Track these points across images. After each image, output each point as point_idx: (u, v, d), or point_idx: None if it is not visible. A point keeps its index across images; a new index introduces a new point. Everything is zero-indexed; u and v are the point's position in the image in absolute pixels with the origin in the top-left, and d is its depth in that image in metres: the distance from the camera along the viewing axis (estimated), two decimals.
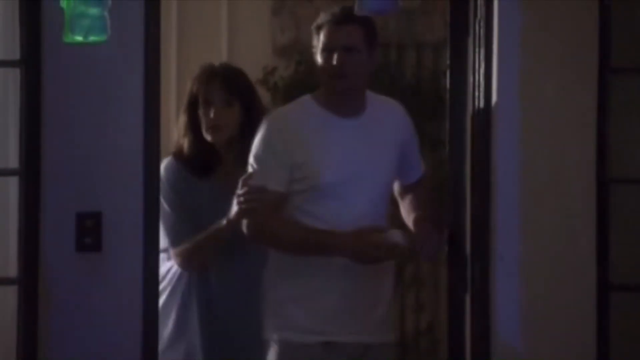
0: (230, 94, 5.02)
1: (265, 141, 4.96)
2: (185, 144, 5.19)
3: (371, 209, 5.01)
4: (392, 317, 5.30)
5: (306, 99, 5.12)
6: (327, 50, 4.94)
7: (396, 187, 5.40)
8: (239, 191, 5.05)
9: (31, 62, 5.63)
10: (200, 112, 5.22)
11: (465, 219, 5.83)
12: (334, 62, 4.92)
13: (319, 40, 5.02)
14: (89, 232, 5.62)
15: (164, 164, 5.32)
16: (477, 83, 5.89)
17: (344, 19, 4.95)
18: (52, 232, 5.63)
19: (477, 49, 5.90)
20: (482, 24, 5.84)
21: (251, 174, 4.98)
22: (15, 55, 5.71)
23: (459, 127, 5.94)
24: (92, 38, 5.09)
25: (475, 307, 5.79)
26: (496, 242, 5.57)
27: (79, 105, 5.75)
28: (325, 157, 4.97)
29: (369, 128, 5.09)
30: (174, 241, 5.11)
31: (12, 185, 5.70)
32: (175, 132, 6.16)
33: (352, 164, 5.00)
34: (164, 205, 5.29)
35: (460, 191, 5.77)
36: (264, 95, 8.32)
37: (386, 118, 5.20)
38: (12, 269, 5.69)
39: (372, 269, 5.00)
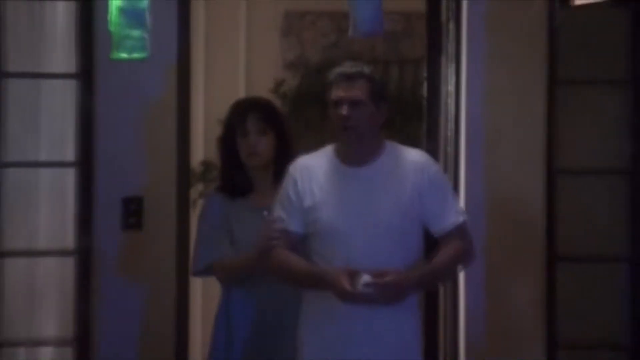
0: (266, 123, 4.93)
1: (284, 189, 4.70)
2: (224, 172, 5.04)
3: (371, 250, 4.59)
4: (415, 344, 4.79)
5: (328, 148, 4.82)
6: (335, 104, 4.63)
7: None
8: (262, 232, 4.75)
9: (85, 74, 5.67)
10: (239, 141, 4.97)
11: None
12: (341, 115, 4.60)
13: (330, 95, 4.70)
14: (133, 213, 5.68)
15: (208, 200, 5.15)
16: (448, 92, 5.94)
17: (351, 75, 4.64)
18: (102, 213, 5.66)
19: (449, 65, 5.94)
20: (453, 44, 5.89)
21: (274, 217, 4.70)
22: (72, 69, 5.75)
23: (434, 128, 5.98)
24: (134, 55, 5.14)
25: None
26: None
27: (123, 110, 5.76)
28: (327, 202, 4.68)
29: (375, 176, 4.71)
30: (214, 258, 4.92)
31: (70, 175, 5.75)
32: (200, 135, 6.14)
33: (348, 209, 4.66)
34: (205, 231, 5.03)
35: None
36: (275, 101, 8.31)
37: (400, 167, 4.76)
38: (69, 244, 5.74)
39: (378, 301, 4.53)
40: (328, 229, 4.60)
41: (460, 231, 4.67)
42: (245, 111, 4.94)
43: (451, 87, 5.92)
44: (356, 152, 4.67)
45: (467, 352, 5.80)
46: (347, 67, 4.65)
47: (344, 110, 4.56)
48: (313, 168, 4.69)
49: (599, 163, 5.91)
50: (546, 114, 5.78)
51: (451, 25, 5.90)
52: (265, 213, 4.73)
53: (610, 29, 5.80)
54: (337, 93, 4.59)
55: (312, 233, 4.64)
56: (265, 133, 4.89)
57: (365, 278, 4.36)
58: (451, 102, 5.91)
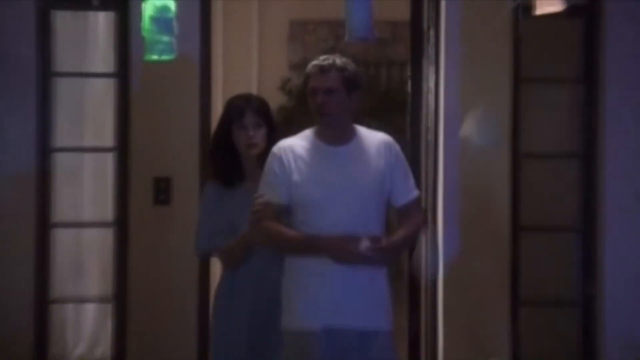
0: (260, 117, 4.86)
1: (268, 167, 4.60)
2: (220, 163, 4.93)
3: (350, 218, 4.54)
4: (387, 308, 4.71)
5: (308, 131, 4.74)
6: (312, 92, 4.58)
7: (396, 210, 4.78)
8: (252, 206, 4.68)
9: (121, 74, 5.70)
10: (236, 133, 4.83)
11: (421, 177, 5.77)
12: (317, 102, 4.56)
13: (307, 86, 4.65)
14: (162, 191, 5.71)
15: (206, 189, 4.99)
16: (429, 89, 5.91)
17: (325, 67, 4.58)
18: (136, 191, 5.69)
19: (429, 66, 5.91)
20: (432, 49, 5.87)
21: (259, 194, 4.60)
22: (111, 69, 5.78)
23: (416, 119, 5.96)
24: (164, 57, 5.15)
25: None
26: (442, 199, 5.61)
27: (154, 104, 5.76)
28: (311, 176, 4.59)
29: (352, 154, 4.65)
30: (211, 247, 4.84)
31: (109, 159, 5.79)
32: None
33: (332, 182, 4.58)
34: (204, 216, 4.92)
35: (416, 162, 5.74)
36: (282, 97, 8.29)
37: (371, 147, 4.70)
38: (109, 217, 5.78)
39: (359, 262, 4.53)
40: (314, 199, 4.54)
41: (418, 204, 4.71)
42: (242, 107, 4.84)
43: (431, 85, 5.90)
44: (334, 133, 4.61)
45: (444, 308, 5.78)
46: (320, 60, 4.59)
47: (319, 98, 4.53)
48: (296, 147, 4.60)
49: (555, 148, 5.93)
50: (511, 107, 5.80)
51: (431, 33, 5.88)
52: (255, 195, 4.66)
53: (565, 35, 5.80)
54: (312, 83, 4.56)
55: (298, 204, 4.57)
56: (260, 126, 4.80)
57: (365, 243, 4.35)
58: (431, 97, 5.90)
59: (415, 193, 4.67)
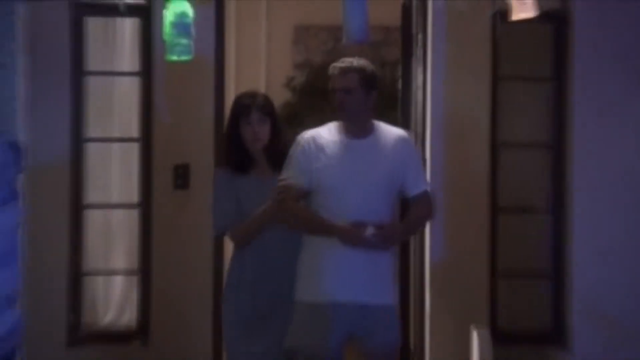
0: (265, 114, 4.79)
1: (293, 154, 4.58)
2: (231, 151, 4.86)
3: (362, 205, 4.51)
4: (390, 286, 4.71)
5: (331, 124, 4.69)
6: (333, 91, 4.56)
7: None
8: (275, 188, 4.63)
9: (145, 73, 5.71)
10: (243, 128, 4.78)
11: None
12: (337, 100, 4.55)
13: (329, 85, 4.62)
14: (181, 176, 5.71)
15: (218, 174, 4.93)
16: (417, 86, 5.92)
17: (344, 69, 4.56)
18: (158, 177, 5.70)
19: (417, 66, 5.92)
20: (420, 51, 5.86)
21: (283, 177, 4.57)
22: (136, 68, 5.78)
23: (406, 113, 5.99)
24: (182, 58, 5.18)
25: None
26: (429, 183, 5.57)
27: (173, 99, 5.74)
28: (330, 165, 4.56)
29: (369, 147, 4.61)
30: (227, 226, 4.80)
31: (134, 148, 5.80)
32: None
33: (348, 172, 4.56)
34: (218, 198, 4.85)
35: None
36: (287, 94, 8.25)
37: (388, 141, 4.66)
38: (134, 199, 5.79)
39: (365, 246, 4.50)
40: (331, 186, 4.53)
41: (427, 196, 4.65)
42: (248, 105, 4.79)
43: (419, 83, 5.90)
44: (352, 128, 4.58)
45: (431, 280, 5.78)
46: (341, 62, 4.58)
47: (339, 97, 4.52)
48: (318, 138, 4.59)
49: (529, 138, 5.92)
50: (490, 102, 5.78)
51: (419, 37, 5.88)
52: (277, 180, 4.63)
53: (537, 38, 5.78)
54: (333, 84, 4.55)
55: (316, 189, 4.56)
56: (265, 122, 4.76)
57: (371, 229, 4.36)
58: (419, 94, 5.90)
59: (424, 186, 4.65)
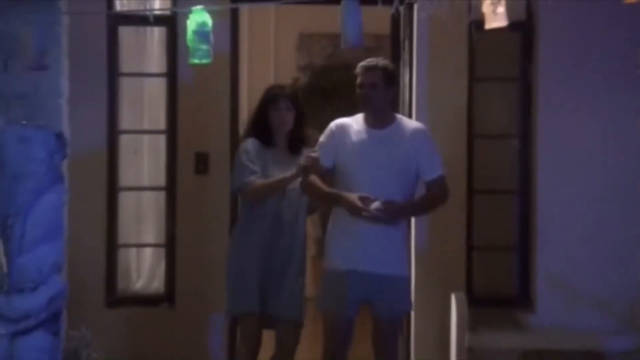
0: (291, 104, 4.90)
1: (324, 136, 4.64)
2: (258, 130, 4.93)
3: (375, 185, 4.50)
4: (403, 258, 4.71)
5: (358, 115, 4.71)
6: (360, 86, 4.59)
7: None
8: (303, 158, 4.69)
9: (171, 74, 5.72)
10: (271, 114, 4.87)
11: None
12: (363, 94, 4.58)
13: (357, 81, 4.63)
14: (201, 162, 5.71)
15: (248, 142, 4.93)
16: (405, 85, 5.88)
17: (370, 67, 4.60)
18: (182, 162, 5.71)
19: (404, 68, 5.88)
20: (407, 55, 5.85)
21: (313, 150, 4.64)
22: (163, 70, 5.79)
23: (395, 108, 5.59)
24: (203, 61, 5.17)
25: None
26: None
27: (195, 97, 5.74)
28: (355, 151, 4.59)
29: (388, 137, 4.61)
30: (248, 182, 4.80)
31: (162, 139, 5.81)
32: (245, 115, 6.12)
33: (367, 157, 4.57)
34: (246, 160, 4.86)
35: None
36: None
37: (406, 133, 4.66)
38: (161, 182, 5.80)
39: (377, 221, 4.49)
40: (353, 169, 4.56)
41: (441, 180, 4.65)
42: (277, 94, 4.89)
43: (406, 82, 5.87)
44: (375, 119, 4.60)
45: (415, 253, 5.76)
46: (367, 62, 4.62)
47: (365, 91, 4.54)
48: (347, 126, 4.63)
49: (500, 130, 5.94)
50: (467, 99, 5.79)
51: (406, 43, 5.87)
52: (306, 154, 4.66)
53: (508, 44, 5.78)
54: (360, 79, 4.57)
55: (340, 171, 4.58)
56: (290, 110, 4.85)
57: (377, 204, 4.38)
58: (406, 92, 5.87)
59: (438, 173, 4.63)
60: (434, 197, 4.68)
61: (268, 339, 4.97)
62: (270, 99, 4.88)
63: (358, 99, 4.61)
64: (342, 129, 4.64)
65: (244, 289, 4.74)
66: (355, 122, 4.65)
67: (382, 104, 4.60)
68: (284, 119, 4.82)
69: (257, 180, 4.73)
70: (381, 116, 4.62)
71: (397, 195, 4.51)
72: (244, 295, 4.75)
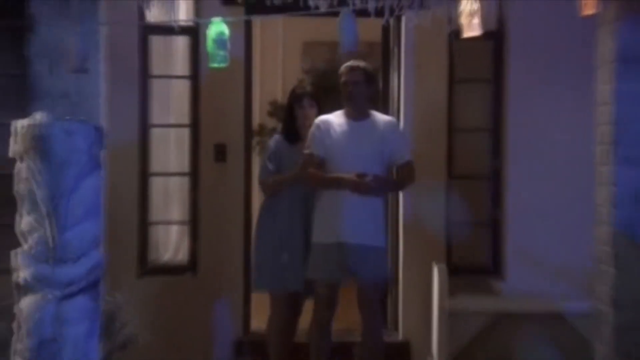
0: (313, 101, 4.92)
1: (312, 131, 4.66)
2: (287, 126, 5.01)
3: (359, 167, 4.53)
4: (382, 231, 4.73)
5: (339, 111, 4.76)
6: (345, 84, 4.63)
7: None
8: (300, 158, 4.71)
9: (194, 76, 5.72)
10: (297, 112, 4.90)
11: None
12: (347, 91, 4.63)
13: (341, 79, 4.67)
14: (220, 152, 5.70)
15: (273, 139, 5.03)
16: (393, 86, 5.89)
17: (354, 67, 4.65)
18: (203, 153, 5.69)
19: (393, 72, 5.89)
20: (396, 60, 5.85)
21: (306, 149, 4.67)
22: (187, 73, 5.78)
23: (386, 105, 5.90)
24: (221, 65, 5.13)
25: None
26: None
27: (215, 96, 5.69)
28: (339, 140, 4.62)
29: (365, 128, 4.67)
30: (268, 179, 4.90)
31: (186, 132, 5.78)
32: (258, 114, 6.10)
33: (350, 146, 4.61)
34: (266, 158, 4.94)
35: None
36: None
37: (379, 125, 4.72)
38: (186, 169, 5.78)
39: (367, 199, 4.55)
40: (340, 155, 4.59)
41: (409, 165, 4.71)
42: (301, 94, 4.92)
43: (395, 84, 5.88)
44: (355, 112, 4.65)
45: (404, 228, 5.75)
46: (350, 63, 4.67)
47: (349, 88, 4.60)
48: (330, 121, 4.66)
49: (476, 124, 5.91)
50: (447, 98, 5.76)
51: (395, 50, 5.87)
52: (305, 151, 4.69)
53: (482, 51, 5.77)
54: (344, 78, 4.61)
55: (330, 157, 4.60)
56: (313, 107, 4.87)
57: (370, 177, 4.46)
58: (395, 92, 5.87)
59: (406, 158, 4.69)
60: (404, 177, 4.74)
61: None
62: (295, 98, 4.92)
63: (343, 94, 4.64)
64: (326, 123, 4.66)
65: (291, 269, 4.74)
66: (336, 117, 4.68)
67: (362, 99, 4.64)
68: (307, 114, 4.84)
69: (269, 180, 4.81)
70: (361, 110, 4.65)
71: (377, 172, 4.55)
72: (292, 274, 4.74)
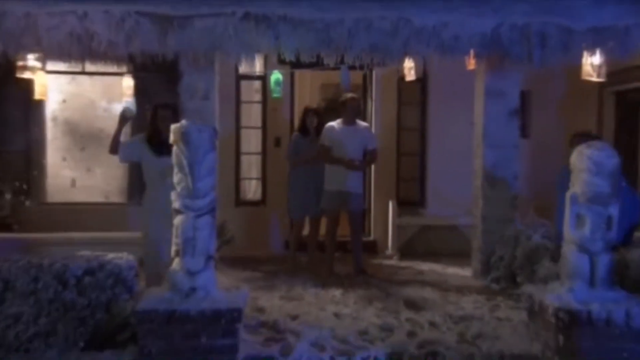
0: (314, 114, 4.63)
1: (324, 132, 4.41)
2: (302, 128, 4.69)
3: (352, 154, 4.34)
4: (361, 185, 4.54)
5: (338, 120, 4.45)
6: (348, 107, 4.40)
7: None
8: (318, 145, 4.44)
9: (263, 101, 5.49)
10: (307, 120, 4.61)
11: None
12: (352, 108, 4.39)
13: (346, 102, 4.41)
14: (278, 141, 5.54)
15: (294, 135, 4.70)
16: (370, 108, 5.72)
17: (354, 97, 4.47)
18: (268, 141, 5.51)
19: (369, 100, 5.74)
20: (370, 93, 5.71)
21: (321, 141, 4.42)
22: (259, 99, 5.55)
23: (365, 119, 5.51)
24: (277, 96, 5.05)
25: None
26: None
27: (275, 112, 5.54)
28: (338, 138, 4.37)
29: (354, 130, 4.40)
30: (296, 158, 4.61)
31: (259, 131, 5.58)
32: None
33: (345, 140, 4.36)
34: (291, 146, 4.67)
35: None
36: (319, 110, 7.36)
37: (361, 128, 4.48)
38: (259, 150, 5.61)
39: (355, 172, 4.40)
40: (339, 146, 4.44)
41: (375, 150, 4.55)
42: (311, 109, 4.78)
43: (370, 106, 5.73)
44: (349, 121, 4.48)
45: (375, 183, 5.62)
46: (351, 94, 4.52)
47: (351, 110, 4.44)
48: (333, 126, 4.51)
49: (412, 126, 5.69)
50: (397, 113, 5.68)
51: (369, 87, 5.74)
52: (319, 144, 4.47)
53: (415, 88, 5.57)
54: (349, 103, 4.46)
55: (333, 147, 4.44)
56: (314, 117, 4.68)
57: (357, 162, 4.39)
58: (371, 111, 5.71)
59: (374, 146, 4.54)
60: (372, 158, 4.58)
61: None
62: (306, 112, 4.81)
63: (346, 112, 4.44)
64: (331, 127, 4.51)
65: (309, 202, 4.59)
66: (336, 124, 4.51)
67: (353, 114, 4.52)
68: (311, 121, 4.70)
69: (297, 158, 4.62)
70: (353, 120, 4.52)
71: (360, 157, 4.49)
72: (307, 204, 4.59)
